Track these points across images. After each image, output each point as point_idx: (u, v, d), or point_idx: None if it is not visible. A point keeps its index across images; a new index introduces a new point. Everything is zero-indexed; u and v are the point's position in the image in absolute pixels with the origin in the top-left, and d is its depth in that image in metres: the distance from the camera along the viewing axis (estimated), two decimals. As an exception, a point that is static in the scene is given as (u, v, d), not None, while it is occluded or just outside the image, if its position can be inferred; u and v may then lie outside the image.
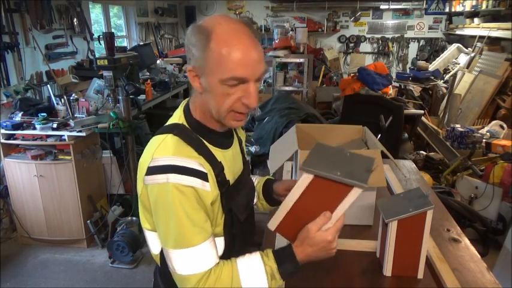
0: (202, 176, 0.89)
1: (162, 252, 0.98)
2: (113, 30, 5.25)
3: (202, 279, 0.87)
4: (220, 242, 0.99)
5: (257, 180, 1.29)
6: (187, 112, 0.98)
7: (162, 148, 0.90)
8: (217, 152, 0.97)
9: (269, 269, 0.90)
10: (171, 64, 5.61)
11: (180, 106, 1.03)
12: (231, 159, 1.02)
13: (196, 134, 0.95)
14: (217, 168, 0.94)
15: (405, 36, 7.94)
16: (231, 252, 1.00)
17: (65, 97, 3.14)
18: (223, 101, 0.88)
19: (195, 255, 0.87)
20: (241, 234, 1.04)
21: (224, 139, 1.01)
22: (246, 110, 0.91)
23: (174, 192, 0.85)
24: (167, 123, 1.00)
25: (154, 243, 1.00)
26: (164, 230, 0.89)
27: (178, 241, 0.87)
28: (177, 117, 0.99)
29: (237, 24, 0.86)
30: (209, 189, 0.90)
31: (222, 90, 0.87)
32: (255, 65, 0.85)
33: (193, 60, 0.88)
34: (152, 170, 0.88)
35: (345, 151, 0.95)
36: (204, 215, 0.90)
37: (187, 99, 1.03)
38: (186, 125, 0.96)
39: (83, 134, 2.85)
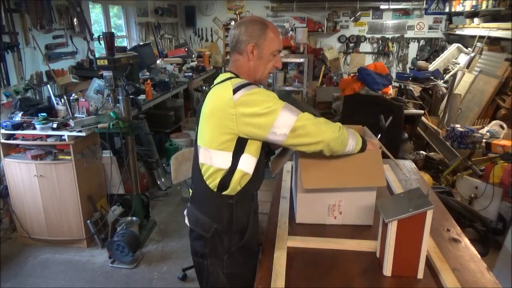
0: None
1: (231, 166, 1.35)
2: (113, 30, 5.25)
3: (313, 117, 1.32)
4: (253, 160, 1.38)
5: None
6: (234, 73, 1.41)
7: (235, 80, 1.34)
8: None
9: (353, 130, 1.44)
10: (171, 64, 5.61)
11: (222, 74, 1.43)
12: None
13: None
14: None
15: (405, 36, 7.94)
16: (256, 176, 1.42)
17: (65, 97, 3.13)
18: (268, 66, 1.43)
19: (290, 107, 1.30)
20: (262, 168, 1.47)
21: None
22: (273, 71, 1.54)
23: (261, 90, 1.31)
24: (218, 81, 1.41)
25: (223, 160, 1.36)
26: (265, 112, 1.26)
27: (272, 111, 1.26)
28: (229, 75, 1.39)
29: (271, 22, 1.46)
30: None
31: (269, 58, 1.42)
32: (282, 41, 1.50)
33: (255, 39, 1.38)
34: (237, 88, 1.29)
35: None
36: None
37: (223, 74, 1.43)
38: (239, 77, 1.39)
39: (83, 134, 2.85)
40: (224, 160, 1.35)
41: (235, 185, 1.38)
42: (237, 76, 1.39)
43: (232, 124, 1.29)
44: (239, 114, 1.27)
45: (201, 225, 1.44)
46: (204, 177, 1.40)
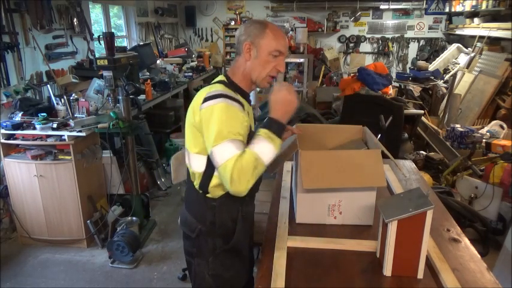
0: (242, 105, 1.32)
1: (205, 170, 1.36)
2: (113, 30, 5.25)
3: (237, 160, 1.19)
4: None
5: None
6: (226, 76, 1.41)
7: (213, 88, 1.33)
8: (245, 103, 1.37)
9: (264, 134, 1.27)
10: (171, 64, 5.61)
11: (219, 76, 1.44)
12: (251, 113, 1.41)
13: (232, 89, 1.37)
14: (245, 113, 1.33)
15: (405, 36, 7.94)
16: None
17: (65, 97, 3.13)
18: (266, 66, 1.36)
19: (229, 146, 1.22)
20: None
21: (248, 98, 1.44)
22: (276, 74, 1.41)
23: (223, 109, 1.25)
24: (211, 83, 1.42)
25: (198, 163, 1.37)
26: (212, 135, 1.23)
27: (218, 137, 1.22)
28: (219, 79, 1.41)
29: (277, 25, 1.43)
30: (246, 116, 1.31)
31: (267, 58, 1.36)
32: (287, 47, 1.42)
33: (251, 38, 1.35)
34: (208, 98, 1.28)
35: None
36: (240, 128, 1.26)
37: (221, 75, 1.44)
38: (227, 82, 1.39)
39: (83, 134, 2.85)
40: (199, 163, 1.37)
41: (214, 190, 1.38)
42: (228, 80, 1.39)
43: (199, 128, 1.31)
44: (203, 121, 1.28)
45: (188, 225, 1.46)
46: (191, 178, 1.44)
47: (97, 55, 3.92)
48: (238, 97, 1.33)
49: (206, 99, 1.28)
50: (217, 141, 1.22)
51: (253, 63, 1.36)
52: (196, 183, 1.40)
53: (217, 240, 1.43)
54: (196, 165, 1.38)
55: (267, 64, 1.36)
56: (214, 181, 1.36)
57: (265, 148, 1.25)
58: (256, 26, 1.36)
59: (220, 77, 1.42)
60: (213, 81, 1.42)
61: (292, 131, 1.60)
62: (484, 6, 5.47)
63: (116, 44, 3.11)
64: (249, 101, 1.43)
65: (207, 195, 1.40)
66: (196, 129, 1.33)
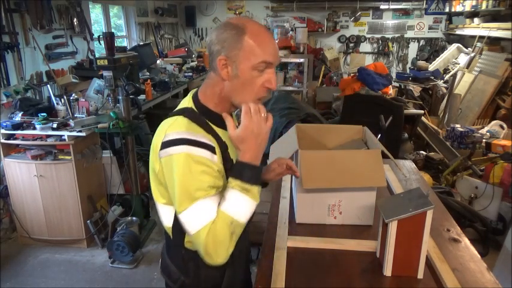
0: (211, 148, 1.01)
1: (174, 225, 1.10)
2: (113, 30, 5.25)
3: (210, 230, 0.96)
4: None
5: None
6: (196, 99, 1.09)
7: (174, 126, 1.02)
8: (221, 132, 1.07)
9: (237, 186, 0.99)
10: (171, 64, 5.61)
11: (188, 95, 1.14)
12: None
13: (203, 117, 1.06)
14: (222, 146, 1.06)
15: (405, 36, 7.94)
16: None
17: (65, 97, 3.14)
18: (250, 87, 1.02)
19: (199, 209, 0.97)
20: None
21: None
22: (266, 94, 1.06)
23: (186, 161, 0.96)
24: (176, 109, 1.12)
25: (166, 217, 1.12)
26: (177, 195, 0.98)
27: (184, 199, 0.97)
28: (186, 103, 1.11)
29: (260, 24, 1.05)
30: (217, 160, 1.02)
31: (251, 75, 1.00)
32: (277, 54, 1.04)
33: (226, 50, 0.99)
34: (166, 144, 0.99)
35: None
36: (211, 179, 0.99)
37: (194, 90, 1.14)
38: (195, 109, 1.07)
39: (83, 134, 2.85)
40: (168, 217, 1.11)
41: (192, 245, 1.12)
42: (198, 105, 1.08)
43: (162, 178, 1.05)
44: (164, 172, 1.03)
45: (169, 274, 1.21)
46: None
47: (97, 55, 3.92)
48: (203, 138, 1.00)
49: (164, 145, 0.99)
50: (184, 205, 0.97)
51: (233, 84, 1.02)
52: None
53: None
54: (165, 219, 1.12)
55: (251, 83, 1.02)
56: (188, 237, 1.12)
57: (241, 205, 0.99)
58: (230, 32, 0.99)
59: (187, 101, 1.10)
60: (178, 107, 1.13)
61: (293, 170, 1.33)
62: (484, 6, 5.47)
63: (116, 44, 3.11)
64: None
65: (186, 247, 1.15)
66: (158, 179, 1.07)
